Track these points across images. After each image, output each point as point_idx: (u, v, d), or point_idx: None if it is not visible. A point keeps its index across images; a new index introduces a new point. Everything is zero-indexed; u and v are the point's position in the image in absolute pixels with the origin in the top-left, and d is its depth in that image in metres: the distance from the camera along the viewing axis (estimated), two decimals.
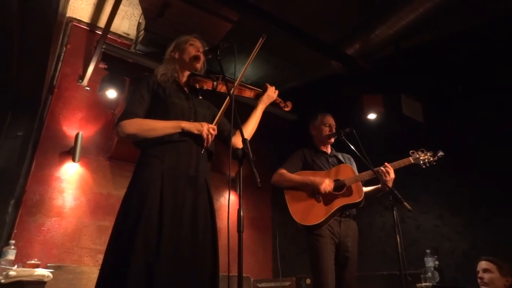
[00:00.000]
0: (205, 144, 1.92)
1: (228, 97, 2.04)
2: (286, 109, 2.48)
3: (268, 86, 2.33)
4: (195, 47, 2.18)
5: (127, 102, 1.99)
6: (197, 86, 2.11)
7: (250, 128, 2.20)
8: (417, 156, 2.82)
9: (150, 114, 1.97)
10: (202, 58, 2.18)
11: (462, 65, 4.05)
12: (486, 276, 2.78)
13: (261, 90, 2.34)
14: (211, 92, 2.15)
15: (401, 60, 4.46)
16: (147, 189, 1.76)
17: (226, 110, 2.06)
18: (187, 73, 2.19)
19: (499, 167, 3.53)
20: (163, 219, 1.71)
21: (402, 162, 2.82)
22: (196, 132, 1.91)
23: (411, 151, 2.85)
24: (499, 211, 3.48)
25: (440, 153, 2.79)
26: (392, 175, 2.72)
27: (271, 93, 2.32)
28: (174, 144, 1.89)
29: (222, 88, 2.15)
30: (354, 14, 4.13)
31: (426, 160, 2.80)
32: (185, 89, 2.13)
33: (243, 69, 2.12)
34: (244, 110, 2.19)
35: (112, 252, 1.71)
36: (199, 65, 2.18)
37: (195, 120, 2.00)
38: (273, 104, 2.39)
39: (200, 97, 2.16)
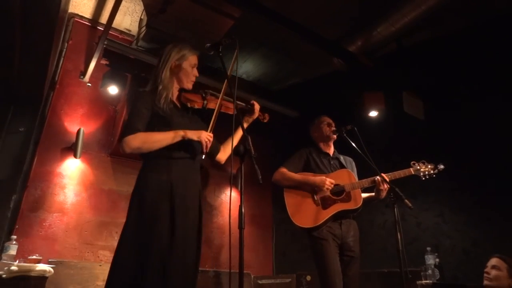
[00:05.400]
0: (204, 150, 2.04)
1: (217, 106, 2.17)
2: (264, 120, 2.52)
3: (255, 103, 2.39)
4: (195, 72, 2.26)
5: (127, 118, 2.06)
6: (189, 105, 2.19)
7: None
8: (418, 167, 2.83)
9: (152, 130, 2.04)
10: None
11: (464, 63, 4.04)
12: (493, 272, 2.73)
13: (245, 105, 2.38)
14: (200, 110, 2.23)
15: (403, 57, 4.45)
16: (160, 197, 1.90)
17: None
18: (178, 87, 2.26)
19: (500, 165, 3.53)
20: (174, 224, 1.87)
21: (402, 173, 2.84)
22: (196, 138, 2.02)
23: (412, 162, 2.86)
24: (499, 209, 3.48)
25: (441, 166, 2.80)
26: (387, 186, 2.73)
27: (256, 110, 2.39)
28: (178, 160, 2.03)
29: (211, 106, 2.21)
30: (356, 11, 4.11)
31: (426, 173, 2.81)
32: (178, 104, 2.22)
33: (224, 85, 2.19)
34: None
35: (127, 252, 1.83)
36: (191, 87, 2.27)
37: None
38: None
39: (191, 114, 2.24)
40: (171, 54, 2.19)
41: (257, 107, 2.38)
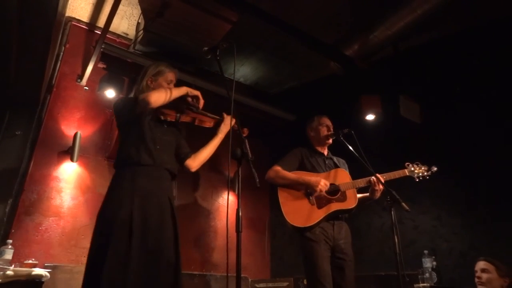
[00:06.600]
0: (201, 101, 2.28)
1: (191, 119, 2.31)
2: (243, 135, 2.52)
3: (225, 115, 2.45)
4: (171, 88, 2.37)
5: (123, 99, 2.29)
6: (162, 118, 2.28)
7: (204, 155, 2.41)
8: (412, 169, 2.86)
9: (127, 137, 2.21)
10: None
11: (461, 66, 4.07)
12: (484, 276, 2.79)
13: (219, 118, 2.44)
14: (174, 123, 2.33)
15: (399, 61, 4.47)
16: (119, 206, 1.97)
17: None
18: None
19: (497, 168, 3.54)
20: (132, 230, 1.92)
21: (397, 174, 2.86)
22: (196, 93, 2.26)
23: (406, 163, 2.89)
24: (496, 212, 3.49)
25: (434, 168, 2.83)
26: (382, 186, 2.73)
27: (228, 122, 2.43)
28: (143, 167, 2.11)
29: (185, 119, 2.31)
30: (353, 15, 4.14)
31: (420, 174, 2.84)
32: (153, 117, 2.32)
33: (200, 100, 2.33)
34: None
35: (90, 263, 2.05)
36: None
37: (160, 147, 2.21)
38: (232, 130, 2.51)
39: (166, 126, 2.33)
40: (148, 70, 2.36)
41: (227, 117, 2.43)
